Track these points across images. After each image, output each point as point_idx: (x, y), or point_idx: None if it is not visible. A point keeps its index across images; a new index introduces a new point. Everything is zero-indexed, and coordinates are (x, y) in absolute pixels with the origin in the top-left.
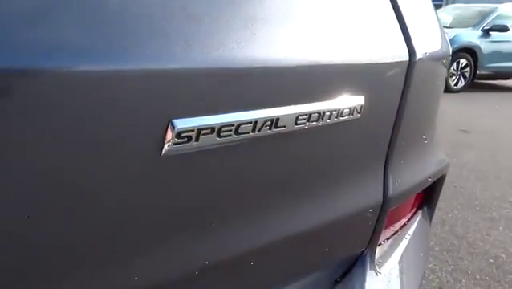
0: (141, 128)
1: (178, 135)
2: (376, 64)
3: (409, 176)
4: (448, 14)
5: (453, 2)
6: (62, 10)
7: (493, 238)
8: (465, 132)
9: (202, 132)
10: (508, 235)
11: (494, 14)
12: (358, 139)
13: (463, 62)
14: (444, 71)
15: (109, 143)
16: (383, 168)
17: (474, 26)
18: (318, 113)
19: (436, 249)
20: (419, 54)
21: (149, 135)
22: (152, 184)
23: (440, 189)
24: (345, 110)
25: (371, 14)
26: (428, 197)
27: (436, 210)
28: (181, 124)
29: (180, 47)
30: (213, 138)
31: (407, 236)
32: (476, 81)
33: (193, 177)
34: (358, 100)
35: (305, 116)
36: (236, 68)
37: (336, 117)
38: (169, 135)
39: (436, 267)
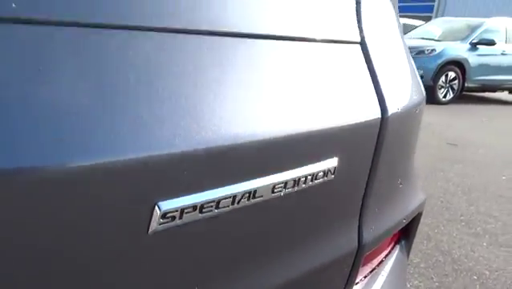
0: (130, 212)
1: (163, 216)
2: (349, 125)
3: (384, 220)
4: (437, 26)
5: (443, 14)
6: (41, 111)
7: (478, 255)
8: (453, 145)
9: (185, 210)
10: (492, 251)
11: (482, 28)
12: (332, 197)
13: (451, 74)
14: (418, 118)
15: (101, 226)
16: (358, 219)
17: (462, 39)
18: (294, 180)
19: (422, 265)
20: (391, 110)
21: (137, 217)
22: (142, 259)
23: (418, 224)
24: (319, 174)
25: (343, 74)
26: (405, 232)
27: (423, 226)
28: (166, 205)
29: (159, 134)
30: (196, 214)
31: (383, 273)
32: (464, 93)
33: (178, 249)
34: (332, 163)
35: (281, 185)
36: (214, 148)
37: (311, 181)
38: (155, 216)
39: (422, 284)
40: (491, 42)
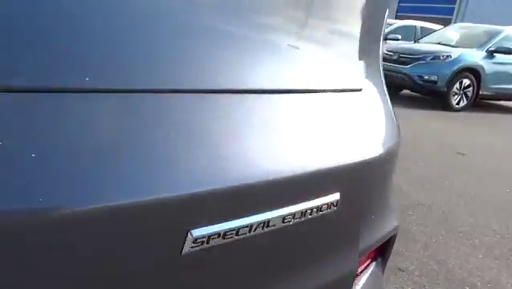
0: (167, 238)
1: (194, 241)
2: (350, 164)
3: (362, 243)
4: (455, 32)
5: (463, 17)
6: (91, 156)
7: (472, 266)
8: (461, 154)
9: (212, 237)
10: (486, 264)
11: (500, 36)
12: (334, 225)
13: (466, 81)
14: (394, 159)
15: (146, 248)
16: (357, 244)
17: (479, 46)
18: (301, 212)
19: (416, 273)
20: (381, 150)
21: (174, 242)
22: (175, 275)
23: (393, 245)
24: (324, 206)
25: (346, 118)
26: (381, 251)
27: (422, 235)
28: (197, 232)
29: (194, 177)
30: (220, 240)
31: (357, 287)
32: (479, 101)
33: (205, 266)
34: (335, 197)
35: (290, 216)
36: (235, 187)
37: (316, 212)
38: (188, 241)
39: None
40: (508, 51)
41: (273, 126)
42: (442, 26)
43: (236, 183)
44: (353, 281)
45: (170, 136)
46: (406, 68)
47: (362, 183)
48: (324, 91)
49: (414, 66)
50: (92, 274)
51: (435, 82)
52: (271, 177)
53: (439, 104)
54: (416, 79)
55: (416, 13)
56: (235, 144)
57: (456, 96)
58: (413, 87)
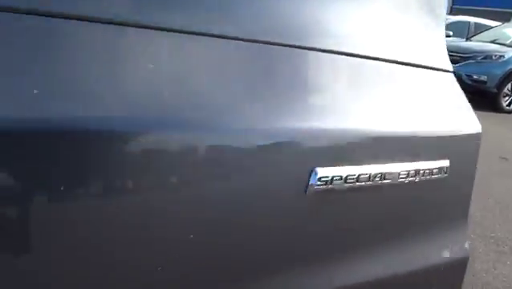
0: (295, 172)
1: (319, 179)
2: (460, 135)
3: None
4: None
5: None
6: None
7: (499, 272)
8: (504, 159)
9: (334, 178)
10: None
11: None
12: (445, 195)
13: None
14: None
15: (274, 184)
16: (466, 225)
17: None
18: (415, 171)
19: None
20: (480, 128)
21: (300, 179)
22: (300, 214)
23: None
24: (435, 170)
25: (451, 96)
26: None
27: None
28: (321, 172)
29: (323, 121)
30: (341, 183)
31: None
32: None
33: (326, 212)
34: (445, 163)
35: (405, 173)
36: (360, 135)
37: (429, 175)
38: (313, 179)
39: None
40: None
41: (390, 91)
42: (500, 23)
43: (361, 133)
44: (464, 271)
45: (310, 85)
46: (455, 67)
47: (467, 157)
48: (432, 68)
49: (463, 65)
50: (225, 204)
51: (484, 82)
52: (391, 131)
53: (488, 105)
54: (465, 78)
55: (473, 5)
56: (368, 98)
57: (507, 98)
58: (461, 86)
